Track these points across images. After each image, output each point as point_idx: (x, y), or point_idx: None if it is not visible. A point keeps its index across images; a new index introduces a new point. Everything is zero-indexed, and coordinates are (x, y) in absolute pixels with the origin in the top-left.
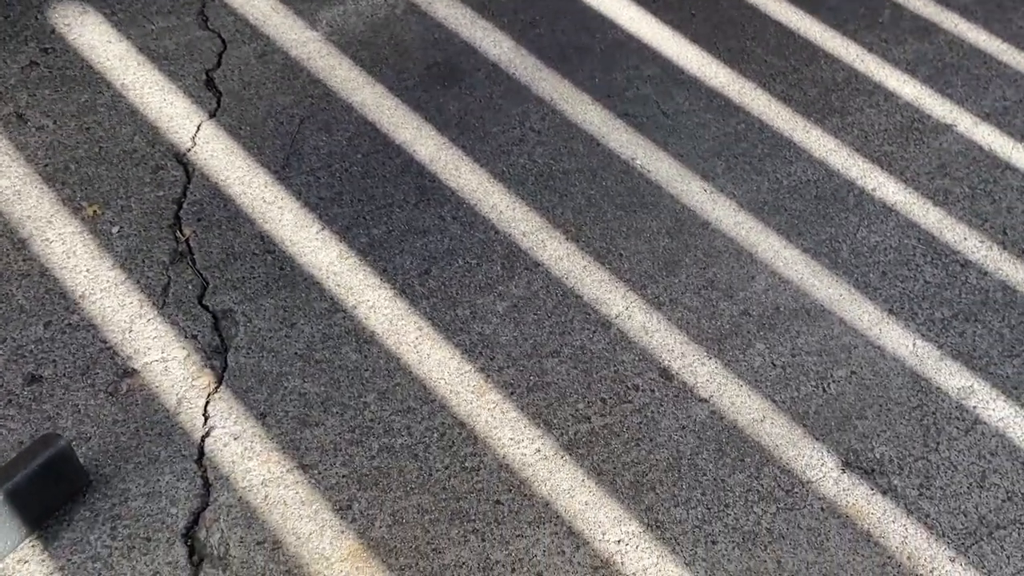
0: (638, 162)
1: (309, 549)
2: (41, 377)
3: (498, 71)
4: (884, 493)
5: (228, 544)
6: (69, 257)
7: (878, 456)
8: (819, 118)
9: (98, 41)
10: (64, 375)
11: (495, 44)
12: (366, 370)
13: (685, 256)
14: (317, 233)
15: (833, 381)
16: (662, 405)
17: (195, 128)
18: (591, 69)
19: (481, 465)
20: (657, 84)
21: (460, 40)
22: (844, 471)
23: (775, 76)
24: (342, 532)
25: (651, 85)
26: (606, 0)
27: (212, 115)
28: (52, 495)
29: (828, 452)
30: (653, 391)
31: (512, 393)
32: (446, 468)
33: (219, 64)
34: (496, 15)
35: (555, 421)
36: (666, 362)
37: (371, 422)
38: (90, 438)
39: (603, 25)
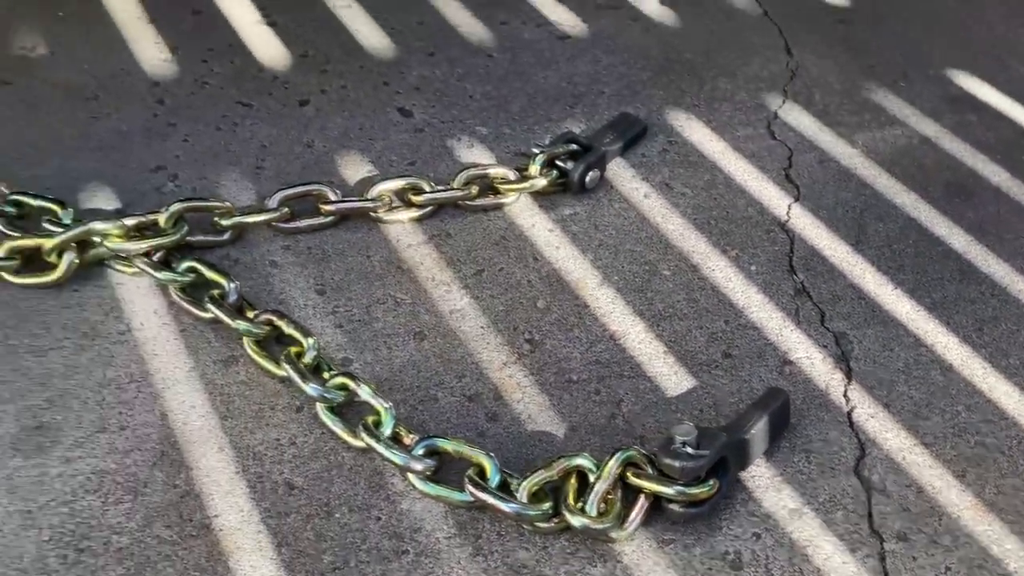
0: None
1: (943, 496)
2: (732, 355)
3: (999, 193)
4: None
5: (885, 483)
6: (728, 281)
7: None
8: None
9: (704, 139)
10: (746, 356)
11: (994, 173)
12: (952, 389)
13: None
14: (891, 291)
15: None
16: None
17: (787, 207)
18: None
19: None
20: None
21: (966, 167)
22: None
23: None
24: (961, 491)
25: None
26: None
27: (796, 199)
28: (777, 429)
29: None
30: None
31: None
32: None
33: (790, 165)
34: (991, 149)
35: None
36: None
37: (965, 424)
38: None
39: None
